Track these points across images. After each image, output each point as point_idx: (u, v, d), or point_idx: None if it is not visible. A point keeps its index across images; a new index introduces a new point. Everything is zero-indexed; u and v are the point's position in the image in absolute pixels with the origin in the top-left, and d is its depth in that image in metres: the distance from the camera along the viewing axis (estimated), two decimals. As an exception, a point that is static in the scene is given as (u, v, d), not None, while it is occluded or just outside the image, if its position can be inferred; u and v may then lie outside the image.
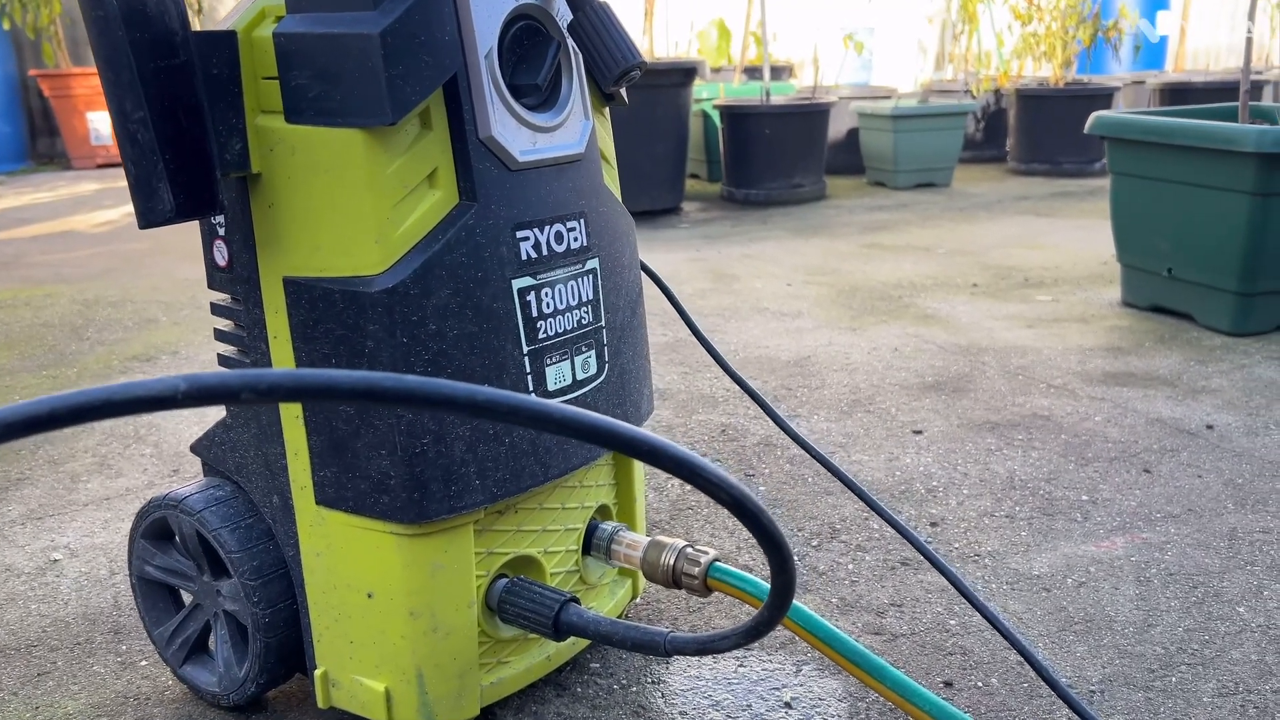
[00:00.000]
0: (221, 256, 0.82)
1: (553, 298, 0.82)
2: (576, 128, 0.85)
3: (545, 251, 0.81)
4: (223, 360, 0.85)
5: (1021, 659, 0.96)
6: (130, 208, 4.20)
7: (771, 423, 1.58)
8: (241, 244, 0.80)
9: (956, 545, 1.19)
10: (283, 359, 0.79)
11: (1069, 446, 1.47)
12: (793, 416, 1.62)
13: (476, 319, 0.77)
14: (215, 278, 0.84)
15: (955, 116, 4.36)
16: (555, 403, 0.45)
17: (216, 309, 0.84)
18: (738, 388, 1.74)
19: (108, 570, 1.16)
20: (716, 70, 5.80)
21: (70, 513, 1.32)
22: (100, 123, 5.61)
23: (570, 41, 0.83)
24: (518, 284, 0.79)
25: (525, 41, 0.80)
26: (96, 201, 4.39)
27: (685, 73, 3.67)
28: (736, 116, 3.97)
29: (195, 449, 0.91)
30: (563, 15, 0.83)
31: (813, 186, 4.08)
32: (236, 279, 0.82)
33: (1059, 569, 1.13)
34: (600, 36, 0.79)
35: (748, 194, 4.03)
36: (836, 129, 4.69)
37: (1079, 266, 2.73)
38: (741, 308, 2.35)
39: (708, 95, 4.64)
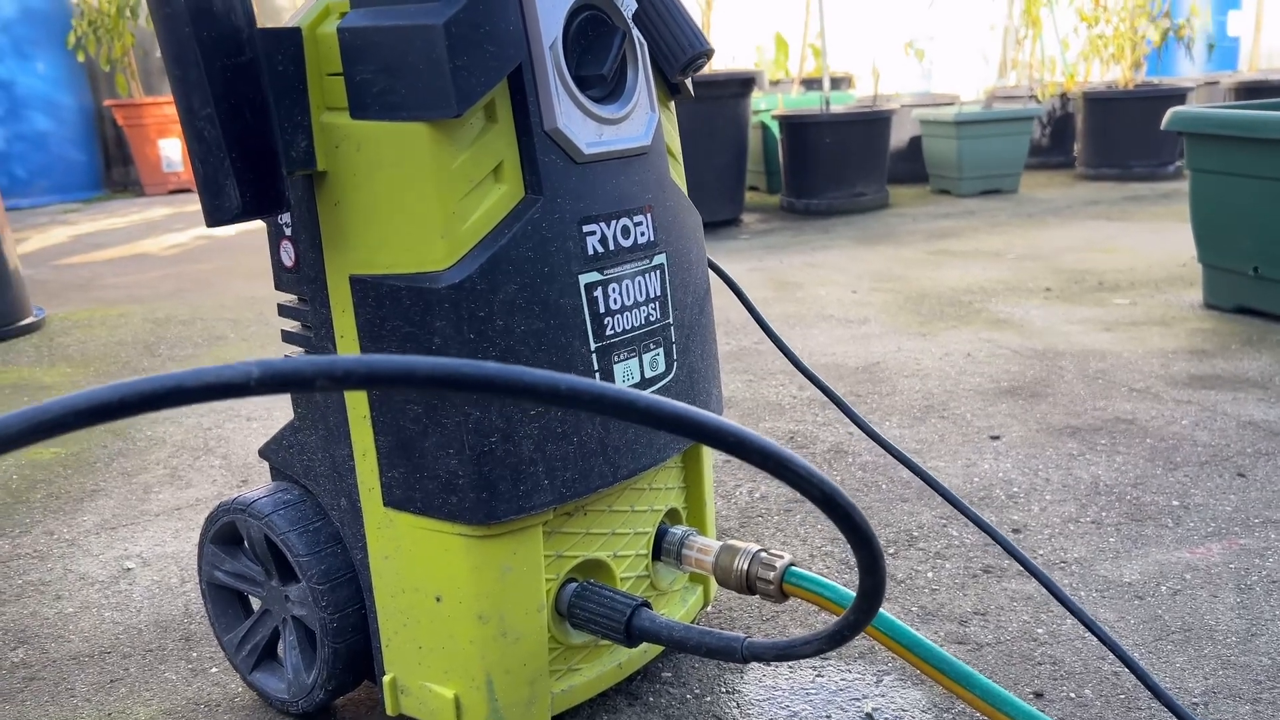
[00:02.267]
0: (288, 257, 0.82)
1: (620, 293, 0.80)
2: (642, 120, 0.83)
3: (612, 246, 0.79)
4: (290, 362, 0.84)
5: (1117, 669, 0.91)
6: (200, 230, 4.30)
7: (843, 429, 1.54)
8: (308, 243, 0.79)
9: (1041, 552, 1.14)
10: (349, 359, 0.78)
11: (1155, 451, 1.41)
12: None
13: (544, 315, 0.75)
14: (282, 278, 0.83)
15: (1021, 122, 4.27)
16: (639, 391, 0.42)
17: (284, 310, 0.84)
18: (805, 394, 1.71)
19: (179, 578, 1.17)
20: (775, 83, 5.78)
21: (142, 523, 1.33)
22: (171, 150, 5.76)
23: (635, 31, 0.82)
24: (585, 279, 0.77)
25: (590, 32, 0.79)
26: (167, 226, 4.50)
27: (743, 83, 3.65)
28: (796, 126, 3.93)
29: (263, 453, 0.90)
30: (627, 4, 0.81)
31: (875, 195, 4.03)
32: (303, 279, 0.81)
33: (1152, 576, 1.07)
34: (666, 24, 0.78)
35: (808, 204, 3.99)
36: (898, 137, 4.63)
37: (1156, 269, 2.64)
38: (806, 315, 2.31)
39: (766, 106, 4.61)
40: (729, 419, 1.54)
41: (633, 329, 0.82)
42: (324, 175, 0.77)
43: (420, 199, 0.73)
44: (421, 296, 0.73)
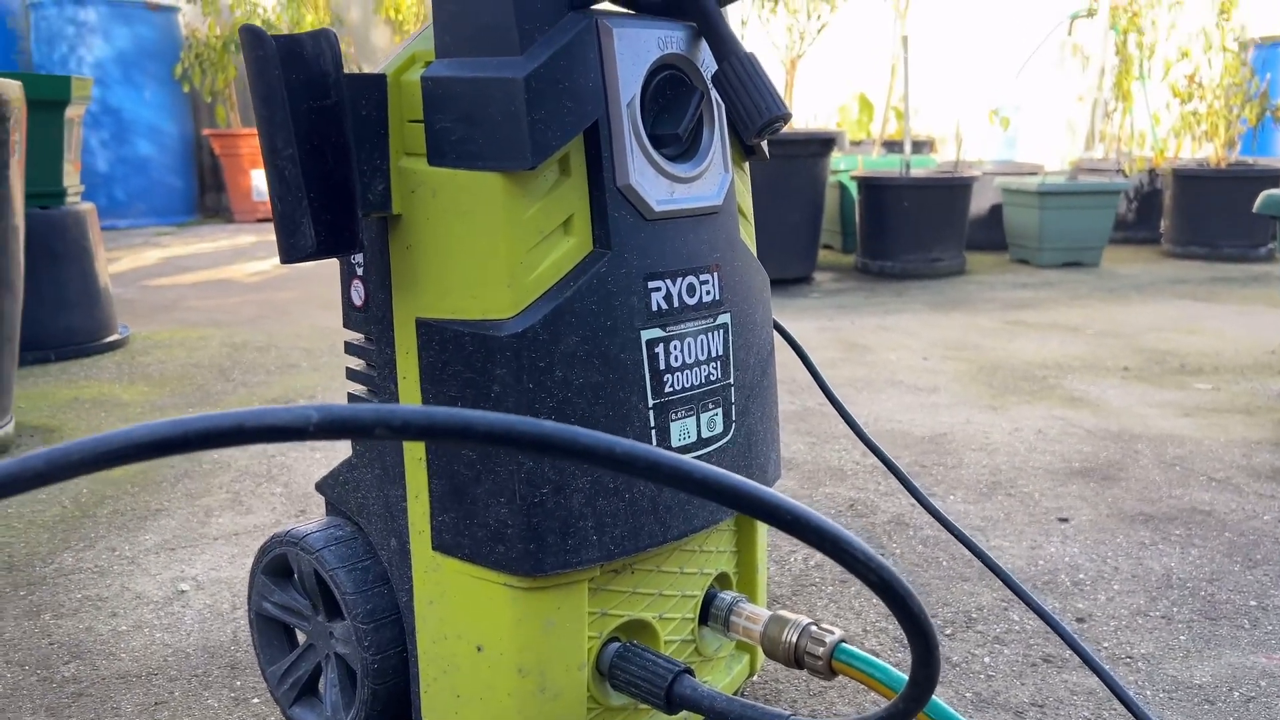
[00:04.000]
0: (358, 296, 0.83)
1: (681, 351, 0.80)
2: (715, 179, 0.83)
3: (676, 303, 0.79)
4: (352, 399, 0.85)
5: (1182, 778, 0.86)
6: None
7: (905, 500, 1.50)
8: (378, 284, 0.81)
9: (1106, 645, 1.09)
10: (410, 400, 0.79)
11: (1233, 546, 1.35)
12: (928, 495, 1.53)
13: (603, 368, 0.75)
14: (351, 317, 0.84)
15: (1106, 195, 4.19)
16: (695, 461, 0.42)
17: (350, 348, 0.85)
18: (868, 461, 1.68)
19: (230, 604, 1.18)
20: (856, 143, 5.77)
21: (201, 545, 1.35)
22: (261, 180, 5.96)
23: (714, 92, 0.82)
24: (646, 335, 0.77)
25: (668, 91, 0.79)
26: (252, 253, 4.64)
27: (824, 143, 3.65)
28: (875, 188, 3.91)
29: (319, 487, 0.91)
30: (707, 66, 0.81)
31: (952, 261, 3.98)
32: (371, 319, 0.82)
33: (1224, 680, 1.02)
34: (745, 87, 0.78)
35: (883, 266, 3.95)
36: (979, 204, 4.58)
37: (1242, 354, 2.55)
38: (874, 379, 2.27)
39: (845, 167, 4.61)
40: (788, 483, 1.52)
41: (692, 387, 0.81)
42: (398, 218, 0.78)
43: (490, 247, 0.74)
44: (484, 343, 0.73)
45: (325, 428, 0.40)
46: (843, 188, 4.51)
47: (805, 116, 5.96)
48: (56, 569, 1.28)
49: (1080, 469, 1.65)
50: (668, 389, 0.79)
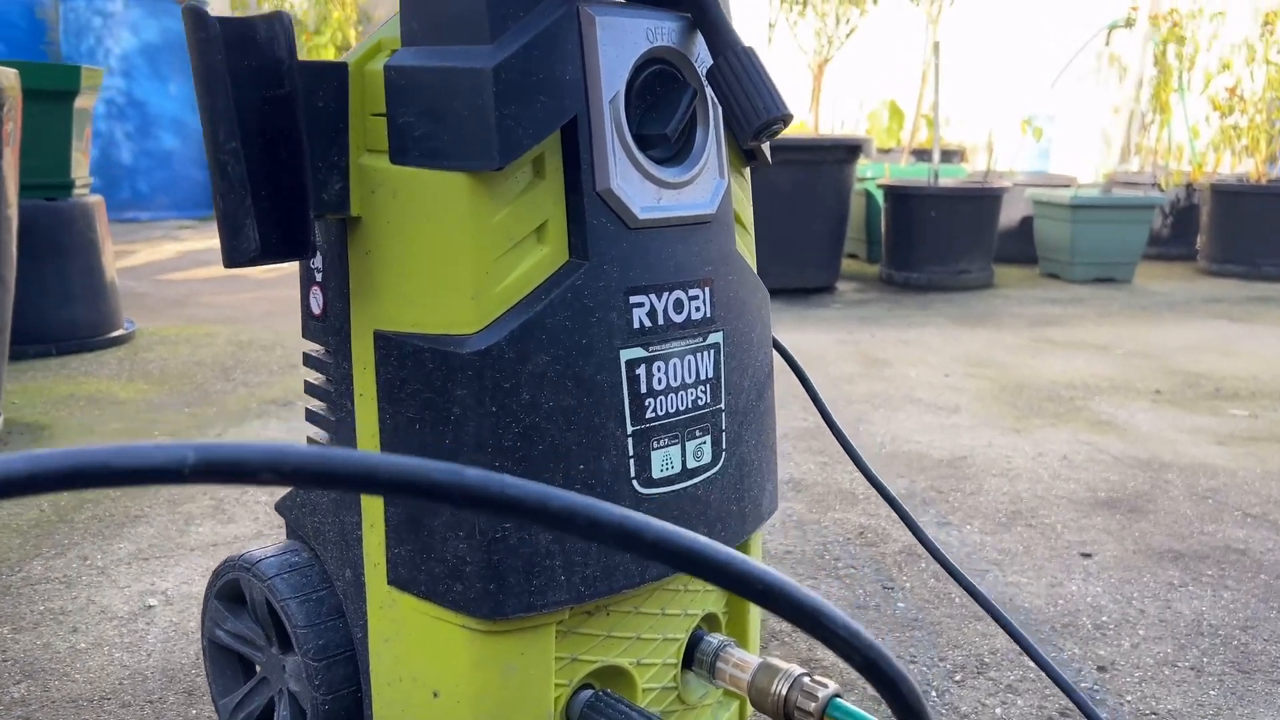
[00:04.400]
0: (317, 304, 0.77)
1: (666, 373, 0.72)
2: (709, 186, 0.76)
3: (661, 321, 0.72)
4: (310, 415, 0.79)
5: None
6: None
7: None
8: (336, 292, 0.74)
9: (1128, 698, 1.01)
10: (367, 420, 0.72)
11: (1270, 590, 1.26)
12: (942, 524, 1.46)
13: (577, 391, 0.68)
14: (309, 327, 0.78)
15: (1141, 210, 4.08)
16: (647, 519, 0.35)
17: (308, 360, 0.79)
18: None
19: (197, 622, 1.12)
20: (885, 151, 5.68)
21: (176, 556, 1.29)
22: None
23: (709, 90, 0.75)
24: (626, 355, 0.70)
25: (657, 87, 0.72)
26: (272, 249, 4.60)
27: (849, 150, 3.57)
28: (901, 197, 3.82)
29: (279, 508, 0.85)
30: (702, 61, 0.74)
31: (979, 274, 3.88)
32: (329, 330, 0.75)
33: (1259, 742, 0.94)
34: (741, 84, 0.70)
35: (908, 277, 3.86)
36: (1009, 216, 4.47)
37: (1281, 379, 2.45)
38: (893, 396, 2.19)
39: (872, 174, 4.52)
40: (796, 506, 1.44)
41: (677, 413, 0.74)
42: (358, 221, 0.71)
43: (454, 255, 0.67)
44: (445, 360, 0.67)
45: (202, 470, 0.34)
46: (869, 196, 4.42)
47: (832, 122, 5.87)
48: (24, 578, 1.22)
49: (1106, 499, 1.57)
50: (649, 414, 0.72)
